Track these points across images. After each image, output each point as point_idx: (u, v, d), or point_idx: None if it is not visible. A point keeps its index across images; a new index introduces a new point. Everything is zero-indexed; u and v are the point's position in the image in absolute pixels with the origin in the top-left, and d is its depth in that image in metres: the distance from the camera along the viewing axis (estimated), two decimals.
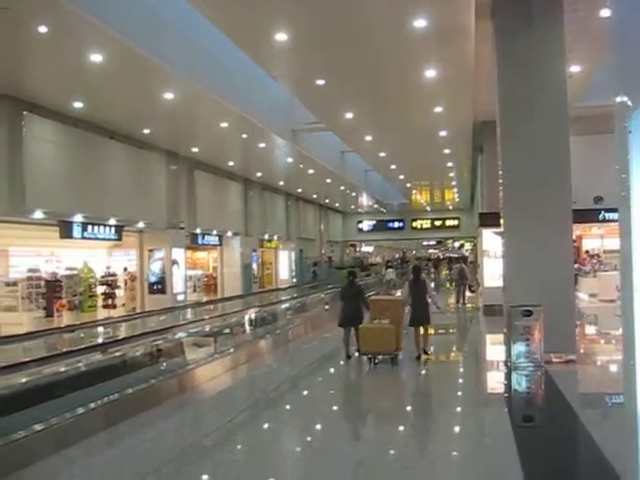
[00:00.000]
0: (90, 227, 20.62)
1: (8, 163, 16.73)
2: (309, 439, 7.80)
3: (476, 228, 25.29)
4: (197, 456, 6.92)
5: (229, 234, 30.97)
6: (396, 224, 52.21)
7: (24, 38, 12.67)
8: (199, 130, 21.95)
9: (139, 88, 16.14)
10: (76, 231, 20.05)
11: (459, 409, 8.94)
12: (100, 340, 16.11)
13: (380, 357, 11.81)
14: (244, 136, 22.15)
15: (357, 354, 12.33)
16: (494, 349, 13.96)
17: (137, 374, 9.60)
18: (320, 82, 15.85)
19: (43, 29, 12.03)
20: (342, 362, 12.28)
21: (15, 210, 16.85)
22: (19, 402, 7.45)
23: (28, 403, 7.44)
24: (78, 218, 19.72)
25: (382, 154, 27.12)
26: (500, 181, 11.97)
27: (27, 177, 16.99)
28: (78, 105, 17.62)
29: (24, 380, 8.60)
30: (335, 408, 9.47)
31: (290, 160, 27.04)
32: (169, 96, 16.59)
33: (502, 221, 11.93)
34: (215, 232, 29.73)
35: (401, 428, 8.08)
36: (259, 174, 32.13)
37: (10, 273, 20.45)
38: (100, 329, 18.69)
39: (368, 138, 23.35)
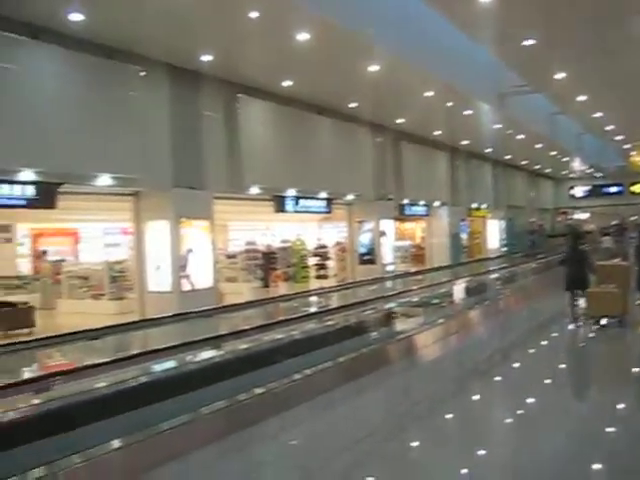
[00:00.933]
0: (302, 201, 21.42)
1: (227, 143, 17.82)
2: (522, 411, 7.60)
3: None
4: (409, 423, 7.02)
5: (436, 204, 30.80)
6: (613, 189, 48.90)
7: (238, 25, 13.40)
8: (404, 101, 21.88)
9: (345, 62, 16.40)
10: (289, 205, 20.91)
11: None
12: (314, 309, 16.74)
13: (605, 320, 11.61)
14: (449, 104, 21.80)
15: (573, 325, 11.94)
16: None
17: (350, 342, 9.88)
18: (529, 42, 15.16)
19: (254, 14, 12.62)
20: (569, 326, 12.07)
21: (235, 187, 17.95)
22: (245, 365, 7.98)
23: (254, 366, 7.95)
24: (291, 192, 20.52)
25: (597, 114, 25.53)
26: None
27: (244, 155, 18.00)
28: (287, 84, 18.31)
29: (246, 346, 9.19)
30: (550, 380, 9.10)
31: (497, 126, 26.23)
32: (374, 69, 16.70)
33: None
34: (422, 202, 29.70)
35: (622, 405, 7.63)
36: (465, 142, 31.50)
37: (229, 246, 21.87)
38: (314, 298, 19.43)
39: (582, 98, 22.05)
